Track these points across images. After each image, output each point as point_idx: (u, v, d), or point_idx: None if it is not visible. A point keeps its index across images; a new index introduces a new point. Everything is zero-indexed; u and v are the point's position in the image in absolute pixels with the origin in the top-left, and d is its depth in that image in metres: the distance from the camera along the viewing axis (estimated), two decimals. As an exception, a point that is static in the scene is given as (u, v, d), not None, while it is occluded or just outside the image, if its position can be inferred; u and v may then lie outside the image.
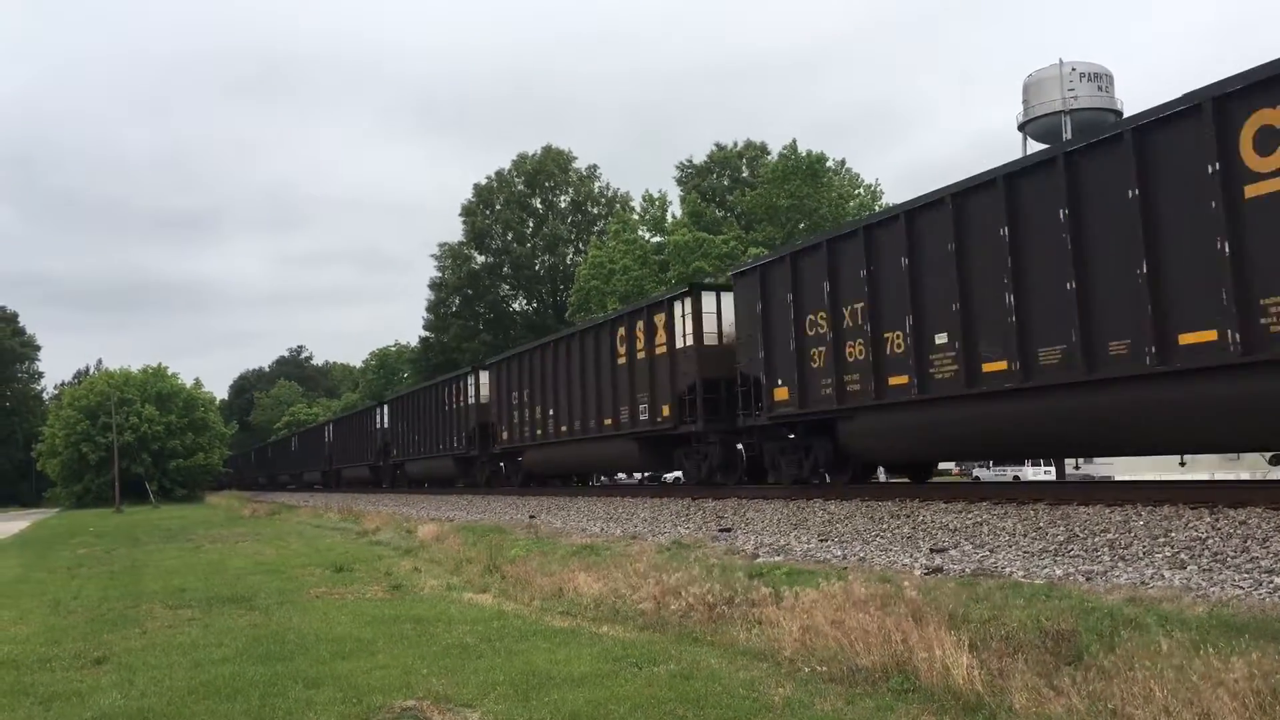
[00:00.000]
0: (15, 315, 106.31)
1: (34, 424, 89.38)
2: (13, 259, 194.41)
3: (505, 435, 29.29)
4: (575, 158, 76.13)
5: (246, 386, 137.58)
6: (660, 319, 20.17)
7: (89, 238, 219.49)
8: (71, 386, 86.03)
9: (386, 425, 44.81)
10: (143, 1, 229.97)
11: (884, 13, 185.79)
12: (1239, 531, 8.50)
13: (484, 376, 32.12)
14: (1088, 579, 7.83)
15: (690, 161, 70.49)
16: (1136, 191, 10.37)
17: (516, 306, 76.47)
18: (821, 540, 11.60)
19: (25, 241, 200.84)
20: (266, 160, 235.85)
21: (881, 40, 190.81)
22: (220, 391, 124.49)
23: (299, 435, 73.38)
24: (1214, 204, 9.63)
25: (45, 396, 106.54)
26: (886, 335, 13.92)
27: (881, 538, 11.23)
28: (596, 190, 76.24)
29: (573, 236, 74.41)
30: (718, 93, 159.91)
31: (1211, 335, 9.75)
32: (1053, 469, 37.34)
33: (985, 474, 41.87)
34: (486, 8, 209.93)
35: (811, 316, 15.44)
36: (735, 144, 70.18)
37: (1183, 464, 13.58)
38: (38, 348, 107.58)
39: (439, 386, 36.96)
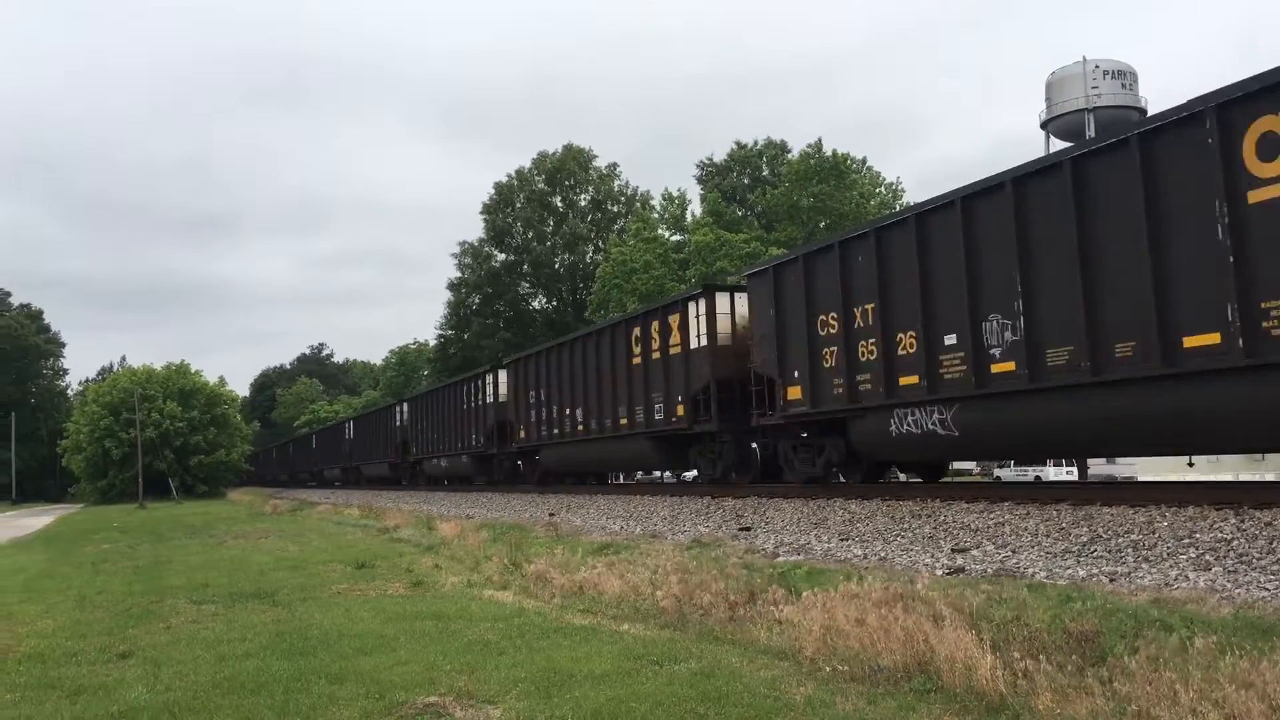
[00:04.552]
0: (40, 312, 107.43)
1: (59, 420, 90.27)
2: (42, 259, 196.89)
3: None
4: (595, 156, 76.08)
5: (268, 384, 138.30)
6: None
7: (115, 239, 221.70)
8: (96, 383, 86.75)
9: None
10: (168, 6, 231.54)
11: (901, 16, 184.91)
12: (1264, 533, 8.42)
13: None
14: (1111, 580, 7.78)
15: (711, 160, 70.54)
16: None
17: (536, 305, 76.48)
18: (842, 540, 11.57)
19: (54, 242, 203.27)
20: (290, 163, 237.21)
21: (900, 44, 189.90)
22: (242, 389, 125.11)
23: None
24: None
25: (70, 393, 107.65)
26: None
27: (902, 537, 11.19)
28: (616, 189, 76.12)
29: (593, 235, 74.29)
30: (737, 95, 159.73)
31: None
32: (1075, 469, 37.01)
33: (1007, 474, 41.59)
34: (509, 11, 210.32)
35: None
36: (756, 142, 70.15)
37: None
38: (62, 345, 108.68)
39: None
